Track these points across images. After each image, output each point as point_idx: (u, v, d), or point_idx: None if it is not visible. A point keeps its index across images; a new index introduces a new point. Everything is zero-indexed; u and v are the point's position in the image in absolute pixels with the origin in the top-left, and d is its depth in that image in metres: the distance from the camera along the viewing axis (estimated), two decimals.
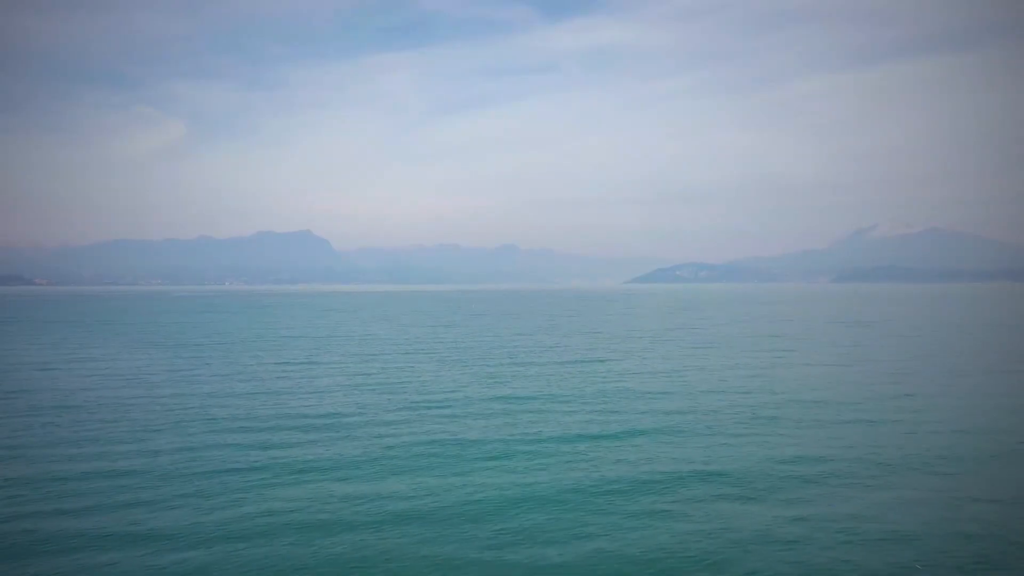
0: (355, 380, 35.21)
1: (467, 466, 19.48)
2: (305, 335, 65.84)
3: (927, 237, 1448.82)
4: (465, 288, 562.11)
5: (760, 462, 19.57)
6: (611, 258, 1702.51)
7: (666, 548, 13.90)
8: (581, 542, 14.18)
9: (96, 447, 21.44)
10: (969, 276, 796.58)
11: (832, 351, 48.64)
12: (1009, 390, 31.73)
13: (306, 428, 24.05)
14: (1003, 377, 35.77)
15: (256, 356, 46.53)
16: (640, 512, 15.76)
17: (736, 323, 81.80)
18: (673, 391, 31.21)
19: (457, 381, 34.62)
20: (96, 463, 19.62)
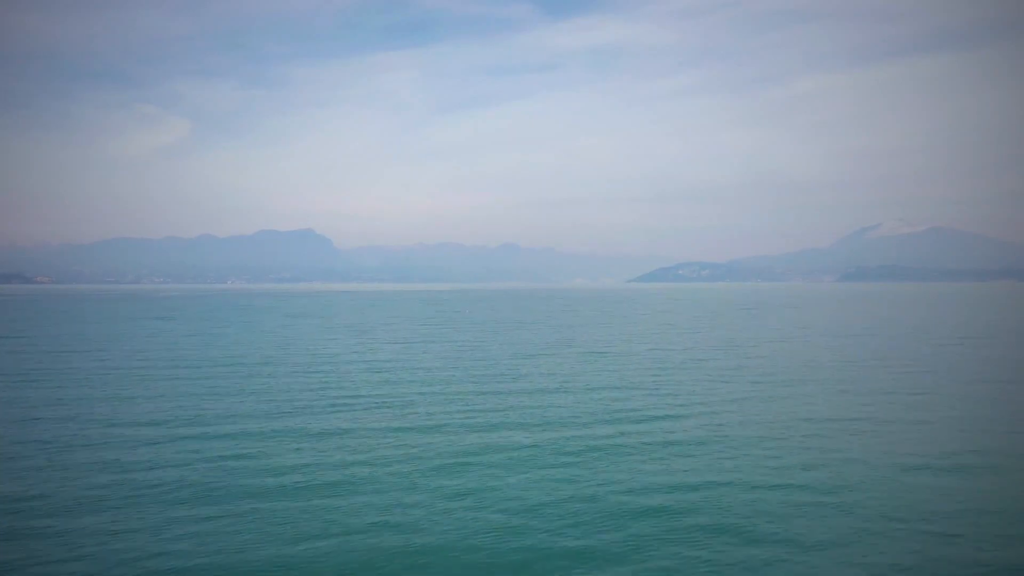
0: (235, 476, 19.81)
1: None
2: (244, 356, 50.33)
3: (930, 236, 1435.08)
4: (466, 287, 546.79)
5: None
6: (612, 257, 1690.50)
7: None
8: None
9: None
10: (972, 275, 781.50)
11: (998, 403, 33.18)
12: None
13: None
14: None
15: (136, 410, 31.19)
16: None
17: (788, 339, 66.12)
18: (820, 497, 15.71)
19: (409, 479, 19.18)
20: None
